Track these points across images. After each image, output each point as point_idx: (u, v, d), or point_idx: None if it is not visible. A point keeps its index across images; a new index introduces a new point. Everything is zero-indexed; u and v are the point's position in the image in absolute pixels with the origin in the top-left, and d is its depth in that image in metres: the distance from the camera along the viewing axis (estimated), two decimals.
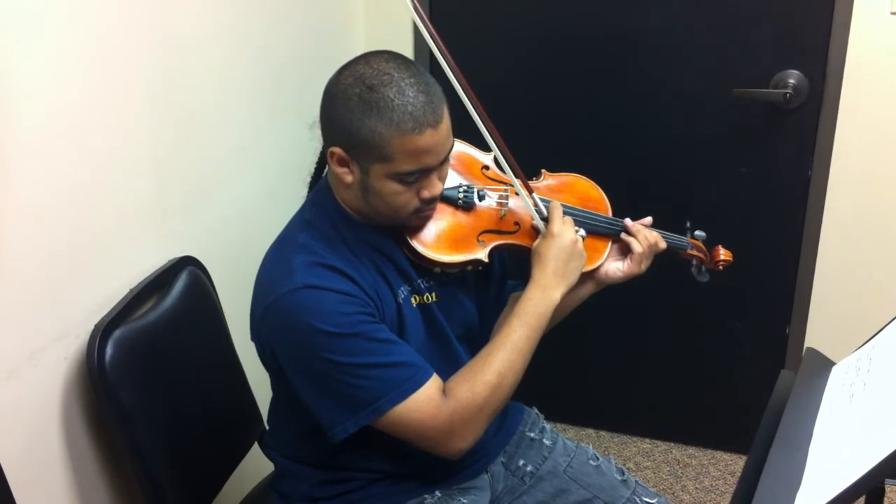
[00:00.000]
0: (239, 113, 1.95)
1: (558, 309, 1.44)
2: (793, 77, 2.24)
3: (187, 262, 1.68)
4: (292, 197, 2.17)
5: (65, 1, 1.37)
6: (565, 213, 1.50)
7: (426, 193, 1.33)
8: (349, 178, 1.33)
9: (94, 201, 1.48)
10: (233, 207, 1.95)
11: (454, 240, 1.43)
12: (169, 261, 1.67)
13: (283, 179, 2.16)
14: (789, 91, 2.21)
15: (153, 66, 1.61)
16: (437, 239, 1.42)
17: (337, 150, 1.31)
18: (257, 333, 1.38)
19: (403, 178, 1.30)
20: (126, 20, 1.53)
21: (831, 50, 2.19)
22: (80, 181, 1.44)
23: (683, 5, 2.29)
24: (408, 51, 2.49)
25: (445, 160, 1.35)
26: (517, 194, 1.50)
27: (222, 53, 1.86)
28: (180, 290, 1.62)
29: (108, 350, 1.41)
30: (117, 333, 1.43)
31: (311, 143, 2.24)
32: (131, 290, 1.55)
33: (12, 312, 1.32)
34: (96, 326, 1.43)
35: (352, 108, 1.26)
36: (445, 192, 1.41)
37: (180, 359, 1.59)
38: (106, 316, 1.46)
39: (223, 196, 1.91)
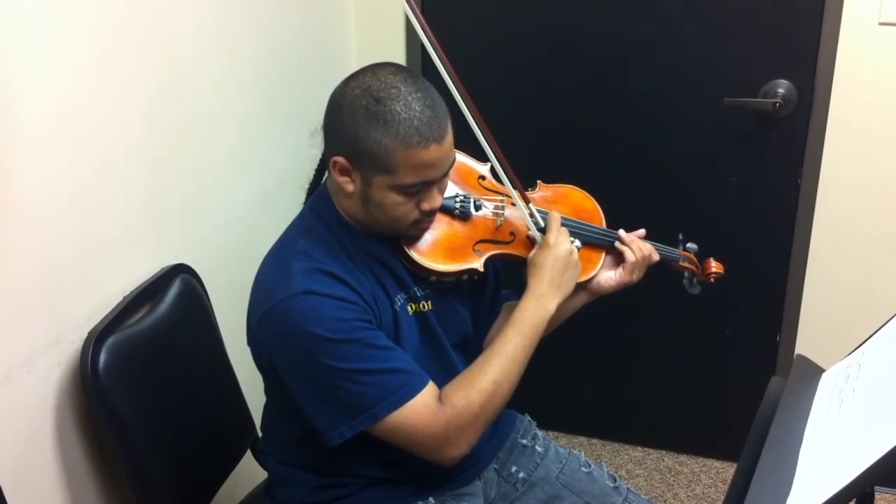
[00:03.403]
0: (233, 120, 1.96)
1: (552, 318, 1.45)
2: (782, 86, 2.26)
3: (181, 270, 1.68)
4: (286, 204, 2.18)
5: (63, 8, 1.38)
6: (561, 224, 1.51)
7: (426, 206, 1.34)
8: (350, 188, 1.34)
9: (89, 208, 1.48)
10: (227, 215, 1.95)
11: (450, 249, 1.44)
12: (162, 268, 1.67)
13: (278, 187, 2.17)
14: (779, 100, 2.23)
15: (149, 74, 1.62)
16: (433, 248, 1.42)
17: (340, 159, 1.32)
18: (254, 338, 1.39)
19: (405, 190, 1.31)
20: (123, 28, 1.53)
21: (820, 59, 2.21)
22: (74, 187, 1.44)
23: (673, 16, 2.31)
24: (401, 58, 2.50)
25: (447, 174, 1.36)
26: (513, 205, 1.51)
27: (217, 61, 1.86)
28: (174, 297, 1.63)
29: (102, 356, 1.41)
30: (111, 340, 1.44)
31: (306, 151, 2.25)
32: (125, 297, 1.55)
33: (6, 318, 1.32)
34: (90, 333, 1.43)
35: (358, 119, 1.27)
36: (442, 202, 1.42)
37: (174, 366, 1.59)
38: (100, 323, 1.46)
39: (217, 203, 1.91)
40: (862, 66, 2.18)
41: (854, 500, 0.95)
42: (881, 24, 2.13)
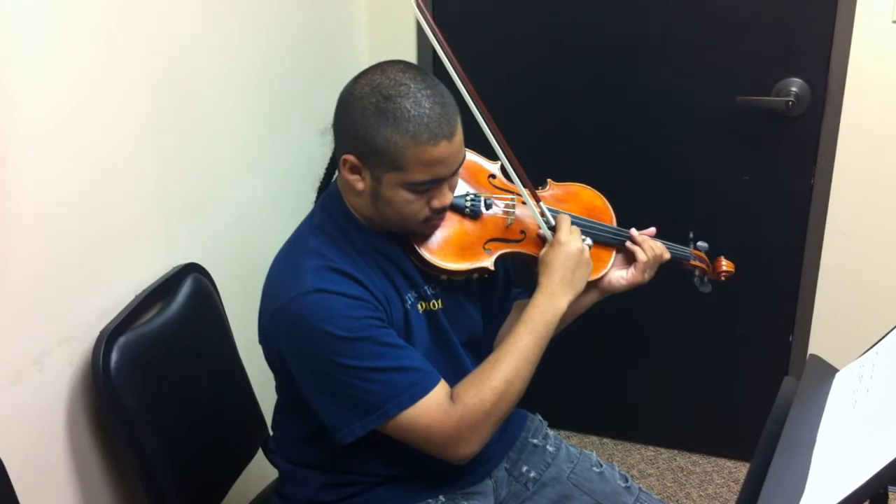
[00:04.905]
0: (243, 119, 1.96)
1: (563, 317, 1.45)
2: (795, 85, 2.25)
3: (192, 269, 1.69)
4: (296, 203, 2.18)
5: (68, 7, 1.38)
6: (571, 223, 1.51)
7: (436, 203, 1.34)
8: (360, 186, 1.34)
9: (100, 207, 1.49)
10: (237, 214, 1.95)
11: (461, 248, 1.44)
12: (174, 267, 1.67)
13: (288, 185, 2.17)
14: (791, 99, 2.22)
15: (158, 72, 1.62)
16: (443, 246, 1.42)
17: (350, 157, 1.32)
18: (265, 336, 1.39)
19: (415, 188, 1.31)
20: (130, 26, 1.54)
21: (833, 58, 2.20)
22: (85, 186, 1.45)
23: (686, 13, 2.30)
24: (411, 57, 2.50)
25: (457, 171, 1.36)
26: (523, 203, 1.51)
27: (226, 59, 1.87)
28: (185, 296, 1.63)
29: (114, 356, 1.41)
30: (122, 339, 1.44)
31: (317, 149, 2.25)
32: (136, 297, 1.56)
33: (17, 317, 1.33)
34: (101, 332, 1.43)
35: (368, 116, 1.28)
36: (453, 201, 1.42)
37: (185, 365, 1.59)
38: (111, 322, 1.46)
39: (227, 202, 1.91)
40: (875, 64, 2.17)
41: (868, 500, 0.94)
42: (895, 22, 2.12)
